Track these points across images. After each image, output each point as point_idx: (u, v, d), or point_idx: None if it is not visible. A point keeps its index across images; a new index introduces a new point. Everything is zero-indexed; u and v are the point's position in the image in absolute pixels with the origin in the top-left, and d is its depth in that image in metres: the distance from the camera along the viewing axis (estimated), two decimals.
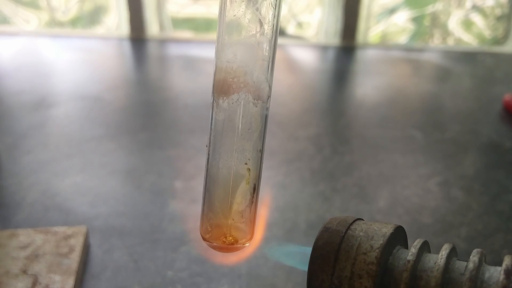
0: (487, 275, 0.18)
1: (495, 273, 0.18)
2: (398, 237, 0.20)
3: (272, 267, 0.31)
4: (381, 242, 0.19)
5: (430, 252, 0.20)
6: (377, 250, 0.19)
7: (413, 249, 0.19)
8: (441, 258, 0.18)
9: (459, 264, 0.19)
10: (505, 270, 0.17)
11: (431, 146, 0.50)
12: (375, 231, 0.19)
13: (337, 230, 0.20)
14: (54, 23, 1.02)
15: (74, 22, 1.03)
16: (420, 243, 0.19)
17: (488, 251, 0.33)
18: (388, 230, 0.19)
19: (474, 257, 0.18)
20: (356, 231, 0.20)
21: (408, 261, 0.18)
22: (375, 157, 0.47)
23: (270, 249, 0.24)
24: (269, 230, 0.34)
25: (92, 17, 1.03)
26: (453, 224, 0.36)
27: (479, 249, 0.19)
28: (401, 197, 0.40)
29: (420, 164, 0.45)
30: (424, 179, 0.43)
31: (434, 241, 0.34)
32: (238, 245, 0.21)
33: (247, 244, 0.21)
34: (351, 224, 0.20)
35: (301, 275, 0.30)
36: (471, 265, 0.18)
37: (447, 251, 0.19)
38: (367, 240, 0.19)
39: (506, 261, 0.18)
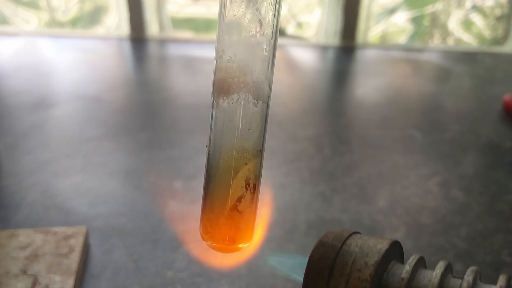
0: None
1: None
2: (394, 252, 0.20)
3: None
4: (376, 259, 0.19)
5: (425, 268, 0.20)
6: (371, 267, 0.19)
7: (407, 266, 0.19)
8: (436, 277, 0.18)
9: (454, 283, 0.19)
10: None
11: (431, 146, 0.50)
12: (370, 247, 0.19)
13: (332, 245, 0.20)
14: (54, 23, 1.02)
15: (74, 22, 1.03)
16: (415, 260, 0.19)
17: (488, 251, 0.33)
18: (383, 246, 0.19)
19: (468, 276, 0.18)
20: (352, 247, 0.20)
21: (403, 278, 0.18)
22: (375, 157, 0.47)
23: (269, 258, 0.24)
24: (269, 230, 0.34)
25: (92, 17, 1.03)
26: (453, 224, 0.36)
27: (474, 268, 0.19)
28: (401, 197, 0.40)
29: (420, 164, 0.45)
30: (424, 179, 0.43)
31: (434, 242, 0.34)
32: (238, 246, 0.21)
33: (247, 245, 0.21)
34: (347, 238, 0.20)
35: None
36: (465, 285, 0.18)
37: (442, 269, 0.19)
38: (362, 256, 0.19)
39: (501, 281, 0.18)
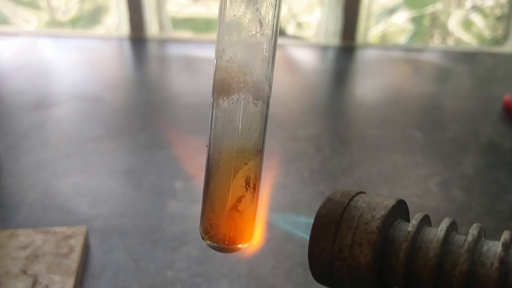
0: (485, 248, 0.18)
1: (493, 246, 0.18)
2: (400, 210, 0.21)
3: (272, 267, 0.31)
4: (383, 213, 0.19)
5: (431, 226, 0.20)
6: (378, 220, 0.19)
7: (414, 221, 0.19)
8: (441, 230, 0.19)
9: (458, 237, 0.19)
10: (503, 243, 0.18)
11: (431, 146, 0.50)
12: (377, 203, 0.20)
13: (340, 201, 0.20)
14: (54, 23, 1.02)
15: (74, 22, 1.03)
16: (421, 216, 0.20)
17: None
18: (390, 202, 0.20)
19: (473, 230, 0.19)
20: (359, 203, 0.20)
21: (409, 232, 0.19)
22: (375, 157, 0.47)
23: (276, 219, 0.24)
24: (269, 230, 0.34)
25: (92, 17, 1.03)
26: None
27: (478, 224, 0.19)
28: (401, 197, 0.40)
29: (420, 164, 0.45)
30: (424, 179, 0.43)
31: None
32: (238, 245, 0.21)
33: (247, 244, 0.21)
34: (354, 196, 0.20)
35: (301, 275, 0.30)
36: (469, 238, 0.18)
37: (447, 224, 0.19)
38: (369, 211, 0.19)
39: (505, 235, 0.18)
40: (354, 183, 0.41)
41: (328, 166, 0.45)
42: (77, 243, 0.31)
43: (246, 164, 0.20)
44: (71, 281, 0.28)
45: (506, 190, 0.41)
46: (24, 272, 0.28)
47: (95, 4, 1.02)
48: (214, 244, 0.21)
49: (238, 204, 0.20)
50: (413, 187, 0.41)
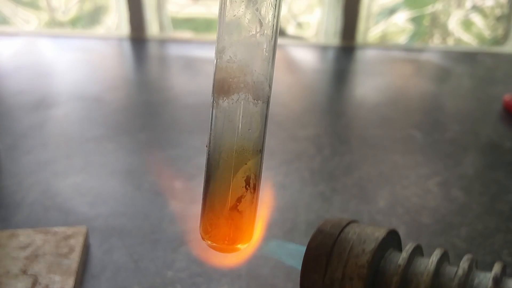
0: (476, 281, 0.18)
1: (484, 280, 0.18)
2: (391, 240, 0.21)
3: (272, 267, 0.31)
4: (373, 246, 0.19)
5: (422, 256, 0.20)
6: (368, 254, 0.19)
7: (404, 254, 0.19)
8: (432, 263, 0.19)
9: (450, 270, 0.19)
10: (493, 278, 0.18)
11: (431, 146, 0.50)
12: (367, 235, 0.20)
13: (331, 232, 0.20)
14: (54, 23, 1.02)
15: (74, 22, 1.03)
16: (412, 248, 0.20)
17: (488, 251, 0.33)
18: (380, 234, 0.20)
19: (464, 263, 0.19)
20: (349, 234, 0.20)
21: (399, 265, 0.19)
22: (375, 157, 0.47)
23: (269, 248, 0.24)
24: (269, 230, 0.34)
25: (92, 17, 1.03)
26: (453, 224, 0.36)
27: (469, 255, 0.19)
28: (401, 197, 0.40)
29: (420, 164, 0.45)
30: (424, 179, 0.43)
31: (434, 241, 0.34)
32: (238, 245, 0.21)
33: (247, 245, 0.21)
34: (345, 226, 0.20)
35: None
36: (460, 271, 0.18)
37: (438, 256, 0.19)
38: (360, 243, 0.19)
39: (496, 268, 0.18)
40: (354, 183, 0.41)
41: (328, 166, 0.45)
42: (77, 243, 0.31)
43: (246, 164, 0.20)
44: (71, 281, 0.28)
45: (506, 190, 0.41)
46: (24, 272, 0.28)
47: (95, 4, 1.02)
48: (214, 244, 0.21)
49: (238, 204, 0.20)
50: (413, 187, 0.41)
